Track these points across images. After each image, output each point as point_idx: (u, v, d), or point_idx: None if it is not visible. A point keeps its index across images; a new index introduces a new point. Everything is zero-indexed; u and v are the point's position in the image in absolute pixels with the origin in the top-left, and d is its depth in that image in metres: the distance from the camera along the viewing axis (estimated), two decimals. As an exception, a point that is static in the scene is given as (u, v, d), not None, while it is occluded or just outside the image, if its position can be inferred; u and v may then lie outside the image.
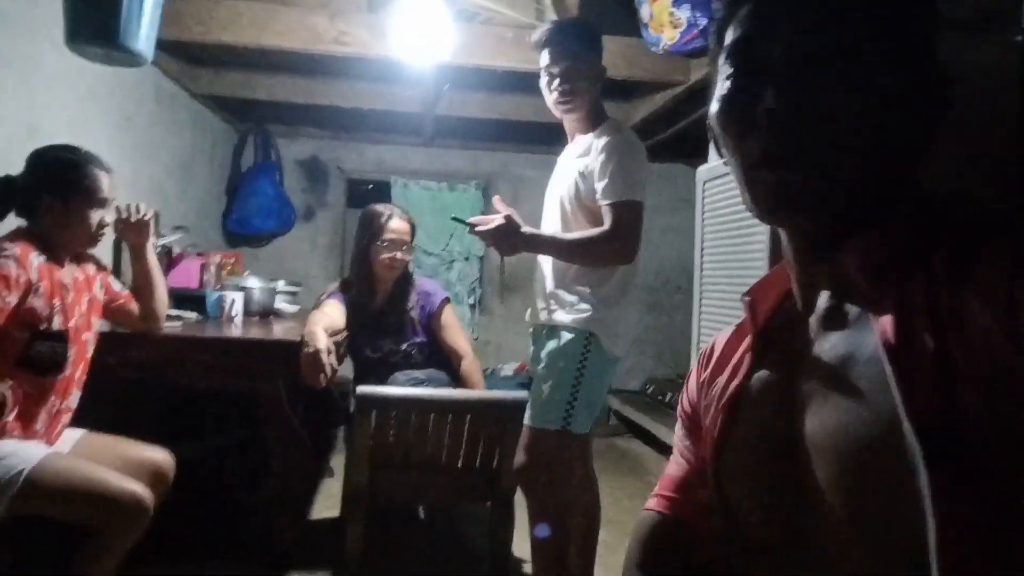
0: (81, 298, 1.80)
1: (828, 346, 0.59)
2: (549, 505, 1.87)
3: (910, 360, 0.49)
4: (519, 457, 1.87)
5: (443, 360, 2.60)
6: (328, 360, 2.07)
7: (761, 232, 1.70)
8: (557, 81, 1.89)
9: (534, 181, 5.02)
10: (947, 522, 0.45)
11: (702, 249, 1.53)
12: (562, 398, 1.80)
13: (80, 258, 1.86)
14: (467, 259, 4.98)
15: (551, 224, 1.98)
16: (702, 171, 1.53)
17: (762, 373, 0.66)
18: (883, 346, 0.51)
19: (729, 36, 0.60)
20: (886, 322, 0.52)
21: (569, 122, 1.98)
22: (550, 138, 4.63)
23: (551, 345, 1.86)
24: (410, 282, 2.65)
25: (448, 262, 4.97)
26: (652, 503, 0.80)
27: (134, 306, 2.01)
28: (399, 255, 2.54)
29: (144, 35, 2.00)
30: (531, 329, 2.00)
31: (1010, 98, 1.03)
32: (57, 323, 1.67)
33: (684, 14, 2.25)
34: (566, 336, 1.83)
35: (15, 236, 1.68)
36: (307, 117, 4.54)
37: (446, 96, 3.88)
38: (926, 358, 0.48)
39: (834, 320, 0.59)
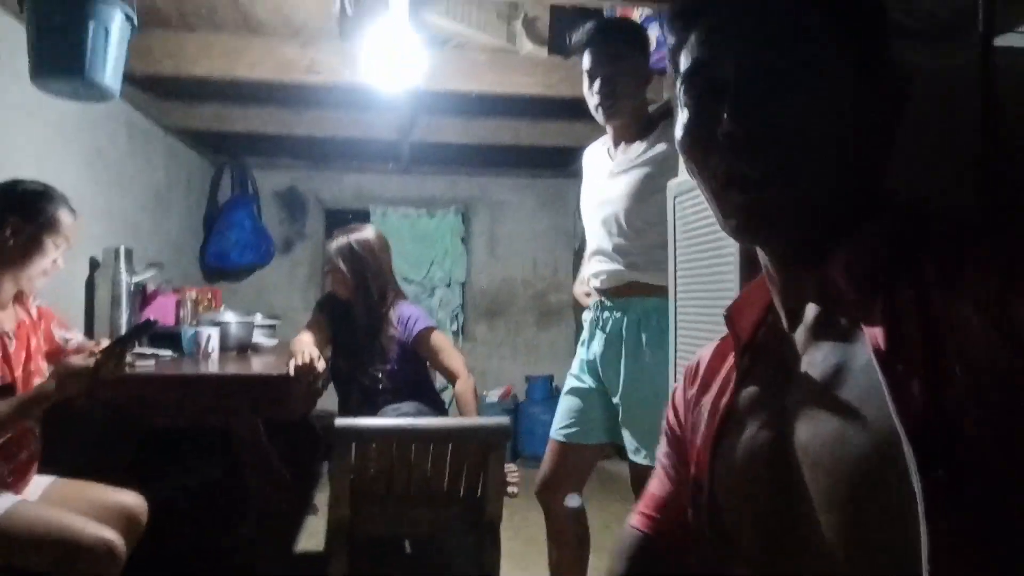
0: (28, 343, 1.74)
1: (820, 357, 0.58)
2: None
3: (903, 367, 0.49)
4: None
5: (426, 386, 2.55)
6: (318, 364, 2.09)
7: (731, 245, 1.67)
8: (598, 84, 1.76)
9: (513, 205, 5.05)
10: (940, 532, 0.44)
11: (675, 264, 1.51)
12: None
13: (20, 299, 1.79)
14: (448, 286, 4.97)
15: (603, 244, 1.84)
16: (672, 185, 1.51)
17: (750, 389, 0.65)
18: (875, 354, 0.50)
19: (683, 62, 0.61)
20: (877, 330, 0.51)
21: (614, 129, 1.86)
22: (528, 161, 4.67)
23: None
24: (389, 306, 2.53)
25: (430, 289, 4.95)
26: (635, 520, 0.79)
27: None
28: None
29: (111, 70, 1.96)
30: None
31: (967, 106, 1.05)
32: (0, 376, 1.61)
33: (653, 33, 2.27)
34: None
35: None
36: (283, 148, 4.52)
37: (421, 122, 3.89)
38: (919, 364, 0.48)
39: (824, 330, 0.59)
